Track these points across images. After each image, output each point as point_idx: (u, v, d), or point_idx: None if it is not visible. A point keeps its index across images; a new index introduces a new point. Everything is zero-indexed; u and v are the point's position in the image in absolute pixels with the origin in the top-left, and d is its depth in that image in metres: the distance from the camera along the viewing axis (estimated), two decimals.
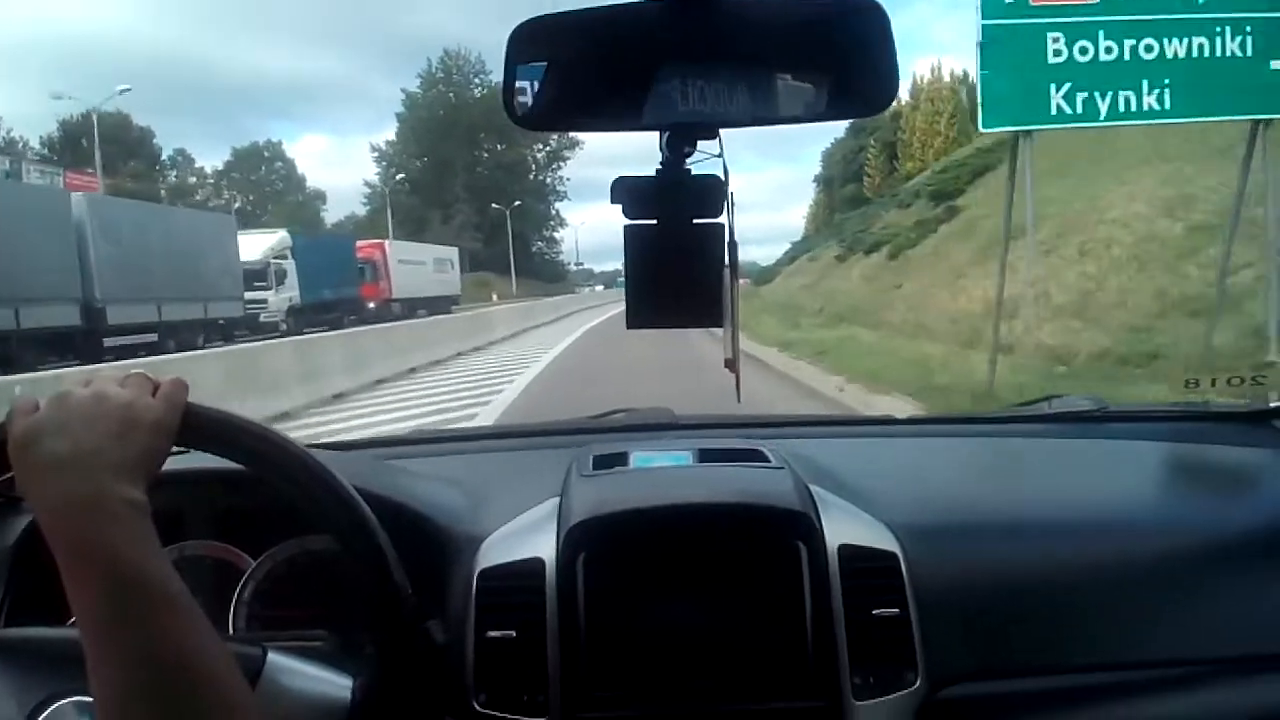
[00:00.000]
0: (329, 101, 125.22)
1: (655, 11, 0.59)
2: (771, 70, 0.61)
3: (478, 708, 0.85)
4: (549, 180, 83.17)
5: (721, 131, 0.63)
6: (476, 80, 74.52)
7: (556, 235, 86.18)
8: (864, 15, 0.60)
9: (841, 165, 55.84)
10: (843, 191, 54.73)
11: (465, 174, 73.19)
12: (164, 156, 66.54)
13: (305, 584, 1.00)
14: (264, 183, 73.93)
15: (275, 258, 26.18)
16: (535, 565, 0.89)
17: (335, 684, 0.69)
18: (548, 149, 78.66)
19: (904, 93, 53.79)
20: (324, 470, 0.68)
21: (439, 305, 35.39)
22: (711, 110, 0.61)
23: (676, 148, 0.63)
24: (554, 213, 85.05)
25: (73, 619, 0.81)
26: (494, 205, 69.46)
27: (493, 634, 0.87)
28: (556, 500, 0.98)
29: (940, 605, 0.91)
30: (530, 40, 0.61)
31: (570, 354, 15.47)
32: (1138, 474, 1.22)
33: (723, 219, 0.65)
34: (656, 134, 0.64)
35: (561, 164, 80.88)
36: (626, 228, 0.66)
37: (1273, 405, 1.27)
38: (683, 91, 0.61)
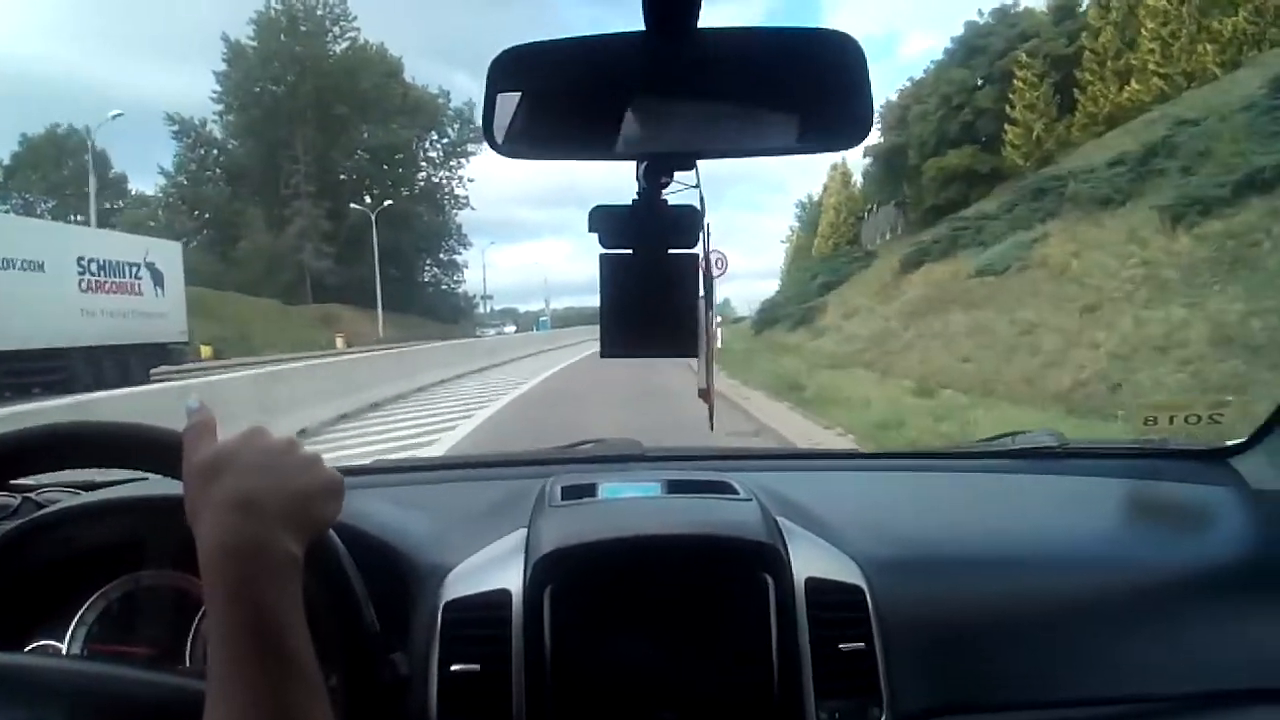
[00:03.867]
0: None
1: (633, 43, 0.59)
2: (747, 102, 0.61)
3: None
4: (445, 182, 58.22)
5: (698, 163, 0.63)
6: (336, 30, 51.23)
7: (458, 258, 61.67)
8: (839, 48, 0.61)
9: (938, 119, 28.04)
10: (939, 163, 27.78)
11: (312, 160, 49.79)
12: None
13: None
14: (64, 184, 48.58)
15: None
16: (501, 597, 0.89)
17: None
18: (445, 141, 56.59)
19: None
20: None
21: (107, 361, 17.18)
22: (687, 141, 0.62)
23: (653, 178, 0.63)
24: (454, 228, 59.93)
25: (31, 645, 0.90)
26: (354, 206, 47.60)
27: (457, 667, 0.86)
28: (524, 531, 0.97)
29: (905, 640, 0.91)
30: (510, 69, 0.61)
31: None
32: (1096, 510, 1.22)
33: (698, 249, 0.66)
34: (632, 164, 0.64)
35: (464, 161, 57.16)
36: (602, 256, 0.66)
37: (1229, 444, 1.28)
38: (659, 122, 0.62)
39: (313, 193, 49.12)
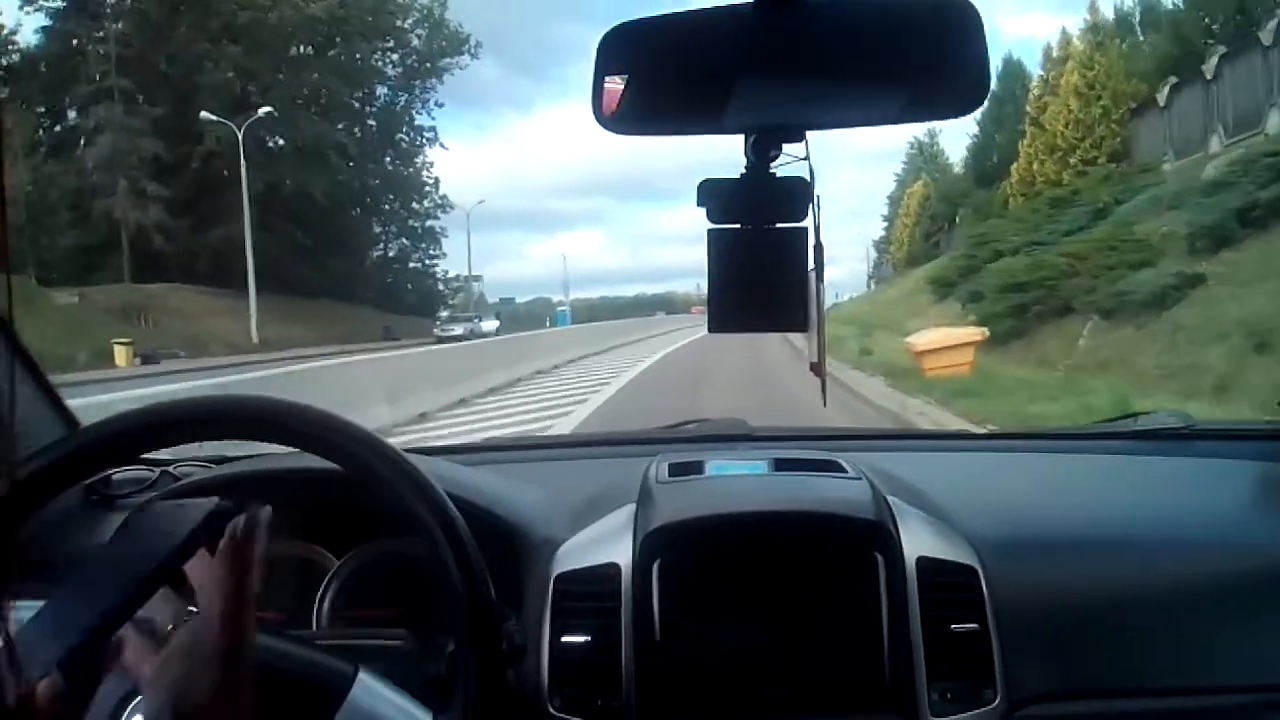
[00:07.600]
0: None
1: (740, 15, 0.60)
2: (858, 73, 0.61)
3: (553, 711, 0.86)
4: (406, 106, 38.90)
5: (807, 134, 0.63)
6: None
7: (436, 225, 41.56)
8: (954, 14, 0.59)
9: None
10: None
11: (140, 34, 29.47)
12: None
13: (387, 584, 1.03)
14: None
15: None
16: (611, 571, 0.90)
17: (416, 718, 0.69)
18: (410, 53, 37.66)
19: None
20: (419, 474, 0.69)
21: None
22: (797, 113, 0.62)
23: (762, 151, 0.63)
24: (425, 179, 39.89)
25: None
26: (208, 116, 26.95)
27: (568, 639, 0.88)
28: (632, 507, 0.98)
29: (1020, 622, 0.90)
30: (619, 46, 0.62)
31: None
32: (1226, 493, 1.19)
33: (807, 222, 0.65)
34: (740, 137, 0.64)
35: (434, 82, 38.45)
36: (710, 231, 0.66)
37: None
38: (769, 95, 0.62)
39: (128, 90, 28.21)
